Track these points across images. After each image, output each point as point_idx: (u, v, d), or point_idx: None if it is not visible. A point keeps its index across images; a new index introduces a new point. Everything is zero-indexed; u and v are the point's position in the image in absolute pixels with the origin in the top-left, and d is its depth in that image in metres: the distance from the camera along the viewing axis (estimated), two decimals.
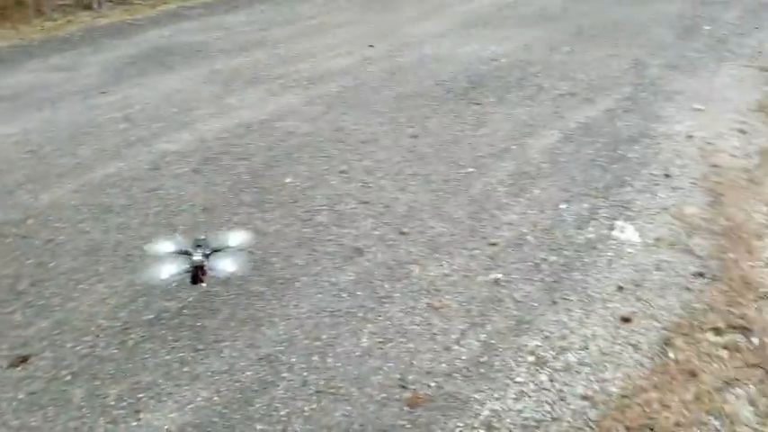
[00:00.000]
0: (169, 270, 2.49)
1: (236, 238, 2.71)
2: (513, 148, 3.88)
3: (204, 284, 2.60)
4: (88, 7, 7.23)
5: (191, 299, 2.64)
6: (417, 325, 2.45)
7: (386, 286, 2.68)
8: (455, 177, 3.59)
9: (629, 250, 2.88)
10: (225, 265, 2.55)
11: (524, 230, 3.05)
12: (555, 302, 2.55)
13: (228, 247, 2.67)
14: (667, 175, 3.51)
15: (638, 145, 3.87)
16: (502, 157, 3.77)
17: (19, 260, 2.91)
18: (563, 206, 3.25)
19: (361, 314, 2.52)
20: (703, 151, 3.76)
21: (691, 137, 3.94)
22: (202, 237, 2.67)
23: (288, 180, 3.60)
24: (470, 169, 3.68)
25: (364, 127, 4.24)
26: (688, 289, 2.61)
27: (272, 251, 2.94)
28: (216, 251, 2.63)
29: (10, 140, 3.97)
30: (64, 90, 4.78)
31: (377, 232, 3.08)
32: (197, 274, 2.53)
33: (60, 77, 5.04)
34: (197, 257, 2.54)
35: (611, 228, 3.06)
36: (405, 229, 3.10)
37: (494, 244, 2.95)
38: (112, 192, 3.46)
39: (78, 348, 2.39)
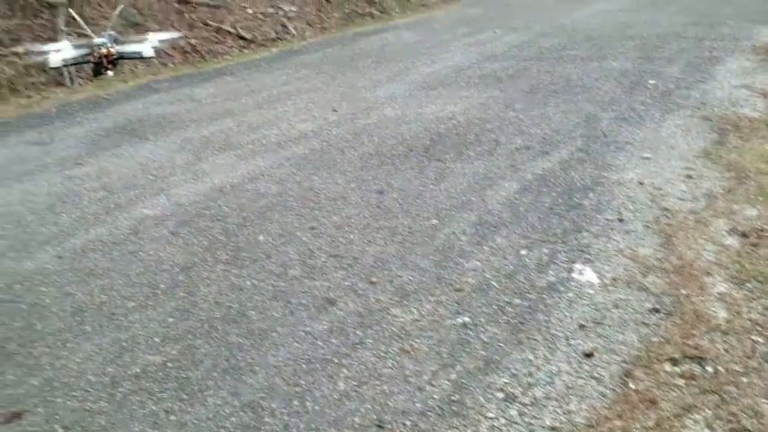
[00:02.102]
0: (60, 56, 2.19)
1: (158, 37, 2.42)
2: (474, 199, 4.09)
3: (111, 73, 2.35)
4: (61, 84, 7.40)
5: (174, 352, 2.73)
6: (390, 368, 2.57)
7: (358, 333, 2.81)
8: (420, 229, 3.77)
9: (589, 291, 3.06)
10: (141, 49, 2.30)
11: (488, 276, 3.21)
12: (521, 342, 2.70)
13: (148, 40, 2.40)
14: (621, 220, 3.73)
15: (592, 193, 4.10)
16: (463, 209, 3.97)
17: (7, 324, 2.99)
18: (524, 252, 3.43)
19: (336, 360, 2.64)
20: (654, 196, 4.00)
21: (641, 183, 4.19)
22: (112, 32, 2.24)
23: (261, 238, 3.74)
24: (434, 221, 3.86)
25: (332, 186, 4.42)
26: (645, 324, 2.78)
27: (250, 304, 3.06)
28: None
29: None
30: (42, 163, 4.89)
31: (347, 283, 3.22)
32: (100, 60, 2.22)
33: (38, 151, 5.16)
34: (99, 40, 2.20)
35: (571, 270, 3.24)
36: (374, 279, 3.25)
37: (459, 290, 3.11)
38: (94, 256, 3.57)
39: (69, 403, 2.47)
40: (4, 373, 2.67)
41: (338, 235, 3.74)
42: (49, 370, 2.67)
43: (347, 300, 3.07)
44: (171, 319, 2.97)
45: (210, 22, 9.94)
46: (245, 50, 9.45)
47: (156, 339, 2.83)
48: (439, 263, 3.37)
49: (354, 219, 3.93)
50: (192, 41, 9.42)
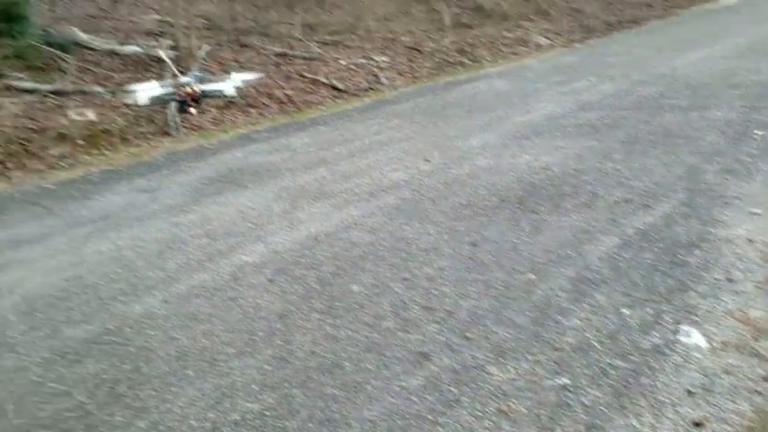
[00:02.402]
0: (148, 94, 2.37)
1: (241, 77, 2.63)
2: (572, 254, 3.98)
3: (194, 111, 2.51)
4: (167, 134, 7.85)
5: (271, 400, 2.78)
6: (488, 429, 2.52)
7: (454, 390, 2.77)
8: (515, 284, 3.70)
9: (697, 354, 2.90)
10: (223, 88, 2.46)
11: (589, 335, 3.11)
12: (624, 407, 2.58)
13: (231, 80, 2.61)
14: (730, 279, 3.54)
15: (698, 250, 3.91)
16: (561, 264, 3.88)
17: (117, 366, 3.14)
18: (626, 311, 3.30)
19: (431, 417, 2.60)
20: (765, 255, 3.78)
21: (751, 241, 3.97)
22: (198, 73, 2.52)
23: (354, 288, 3.78)
24: (530, 276, 3.78)
25: (424, 236, 4.43)
26: (758, 392, 2.60)
27: (344, 355, 3.08)
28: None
29: (105, 256, 4.31)
30: (150, 209, 5.16)
31: (441, 337, 3.19)
32: (185, 99, 2.40)
33: (146, 198, 5.47)
34: (185, 79, 2.41)
35: (677, 332, 3.09)
36: (469, 335, 3.20)
37: (559, 349, 3.02)
38: (197, 301, 3.71)
39: None
40: (114, 414, 2.78)
41: (431, 287, 3.73)
42: (155, 413, 2.77)
43: (442, 355, 3.04)
44: (268, 367, 3.03)
45: (306, 74, 10.32)
46: (338, 100, 9.73)
47: (254, 387, 2.89)
48: (536, 320, 3.29)
49: (447, 271, 3.91)
50: (288, 92, 9.80)
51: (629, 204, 4.69)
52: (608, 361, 2.89)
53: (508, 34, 13.55)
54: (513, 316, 3.34)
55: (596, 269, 3.76)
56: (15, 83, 7.97)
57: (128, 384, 2.98)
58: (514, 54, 12.56)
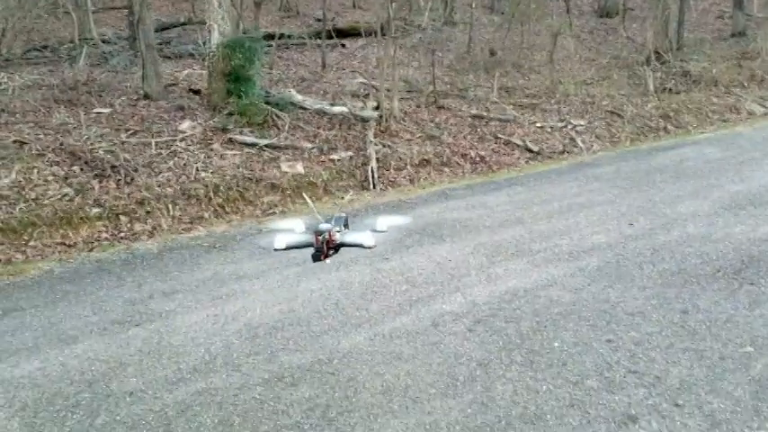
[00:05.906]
0: (285, 239, 2.30)
1: (386, 222, 2.54)
2: None
3: (328, 261, 2.48)
4: (367, 188, 8.37)
5: None
6: None
7: None
8: (731, 355, 3.48)
9: None
10: (362, 240, 2.35)
11: None
12: None
13: (375, 230, 2.58)
14: None
15: None
16: None
17: (329, 393, 3.39)
18: None
19: None
20: None
21: None
22: (343, 214, 2.45)
23: (555, 344, 3.74)
24: (749, 348, 3.53)
25: (630, 300, 4.27)
26: None
27: (546, 408, 3.07)
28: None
29: (316, 294, 4.66)
30: (354, 255, 5.48)
31: (650, 402, 3.06)
32: (321, 247, 2.33)
33: None
34: (325, 226, 2.32)
35: None
36: (679, 402, 3.04)
37: None
38: (400, 342, 3.88)
39: None
40: None
41: (638, 351, 3.59)
42: None
43: (650, 419, 2.92)
44: (470, 410, 3.10)
45: (500, 135, 10.49)
46: (532, 162, 9.74)
47: (456, 427, 2.96)
48: (756, 394, 3.05)
49: (655, 337, 3.75)
50: (482, 153, 10.01)
51: None
52: None
53: (717, 101, 12.76)
54: (730, 388, 3.13)
55: None
56: (238, 137, 8.94)
57: (338, 410, 3.20)
58: (724, 121, 11.79)
